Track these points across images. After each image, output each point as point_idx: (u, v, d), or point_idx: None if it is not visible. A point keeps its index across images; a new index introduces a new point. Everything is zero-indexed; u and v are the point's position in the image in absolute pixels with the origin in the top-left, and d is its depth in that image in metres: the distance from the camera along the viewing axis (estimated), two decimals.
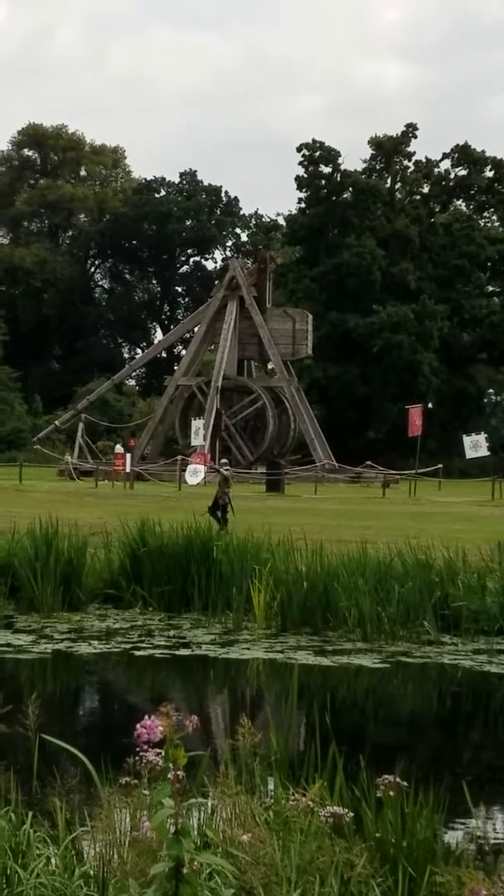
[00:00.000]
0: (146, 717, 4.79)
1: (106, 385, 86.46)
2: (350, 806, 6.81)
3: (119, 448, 69.88)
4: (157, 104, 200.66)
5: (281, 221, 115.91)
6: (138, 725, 4.80)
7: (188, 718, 4.87)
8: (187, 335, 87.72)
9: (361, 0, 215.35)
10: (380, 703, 15.12)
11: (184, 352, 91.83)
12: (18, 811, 6.87)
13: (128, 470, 62.78)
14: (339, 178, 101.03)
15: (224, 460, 41.97)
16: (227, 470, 32.96)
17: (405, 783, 6.85)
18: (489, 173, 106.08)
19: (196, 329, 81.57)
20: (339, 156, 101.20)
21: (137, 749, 5.93)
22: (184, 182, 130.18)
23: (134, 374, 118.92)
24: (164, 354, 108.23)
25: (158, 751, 5.73)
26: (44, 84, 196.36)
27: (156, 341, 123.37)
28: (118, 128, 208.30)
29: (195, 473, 60.34)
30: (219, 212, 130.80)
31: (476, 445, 59.84)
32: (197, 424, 68.48)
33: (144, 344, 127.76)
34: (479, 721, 15.27)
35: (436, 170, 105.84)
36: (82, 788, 7.63)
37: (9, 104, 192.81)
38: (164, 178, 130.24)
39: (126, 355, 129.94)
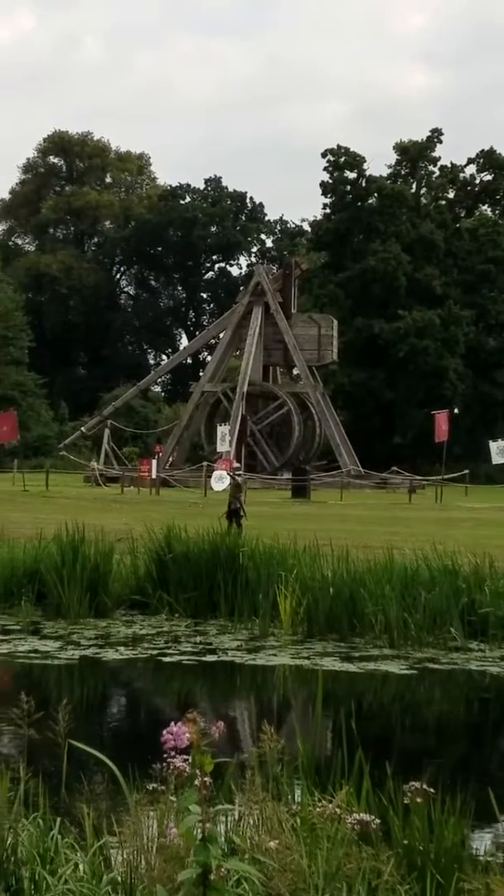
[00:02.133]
0: (173, 723, 4.80)
1: (132, 391, 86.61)
2: (377, 813, 6.80)
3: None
4: (182, 111, 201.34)
5: (306, 227, 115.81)
6: (165, 732, 4.82)
7: (214, 725, 4.89)
8: (212, 341, 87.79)
9: (384, 6, 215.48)
10: (406, 710, 15.10)
11: (209, 358, 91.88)
12: (47, 817, 6.89)
13: (153, 476, 62.87)
14: (364, 184, 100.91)
15: (237, 465, 41.97)
16: (239, 476, 33.08)
17: (432, 790, 6.84)
18: None
19: (221, 335, 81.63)
20: (364, 161, 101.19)
21: (164, 755, 5.95)
22: (209, 188, 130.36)
23: (159, 380, 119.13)
24: (189, 361, 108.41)
25: (185, 757, 5.75)
26: (70, 92, 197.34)
27: (181, 347, 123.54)
28: (143, 135, 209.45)
29: (221, 479, 60.25)
30: (244, 218, 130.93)
31: (503, 451, 59.69)
32: (223, 430, 68.52)
33: (170, 350, 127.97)
34: None
35: (461, 175, 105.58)
36: (110, 794, 7.65)
37: (35, 112, 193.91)
38: (189, 185, 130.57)
39: (151, 362, 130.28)
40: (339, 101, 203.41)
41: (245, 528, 27.79)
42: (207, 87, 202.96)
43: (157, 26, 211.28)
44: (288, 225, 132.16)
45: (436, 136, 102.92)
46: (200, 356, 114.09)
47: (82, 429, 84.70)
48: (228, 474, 34.39)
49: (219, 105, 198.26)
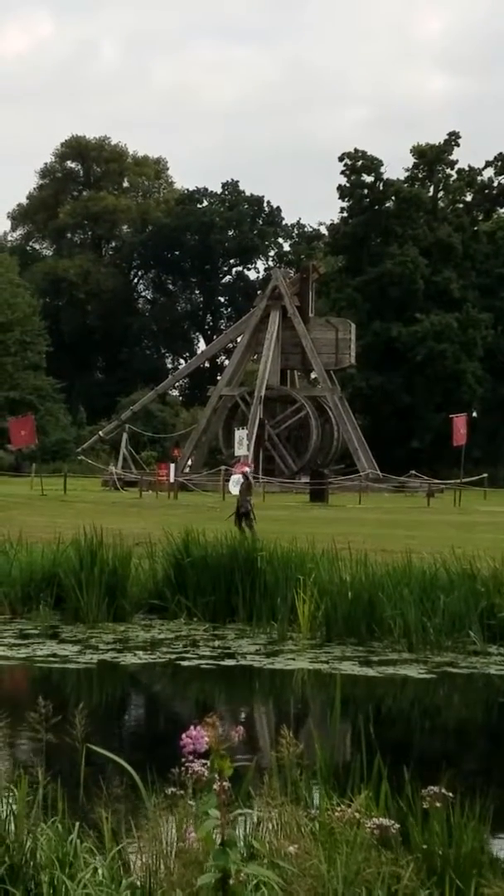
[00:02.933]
0: (192, 727, 4.79)
1: (149, 395, 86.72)
2: (396, 817, 6.78)
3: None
4: (199, 116, 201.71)
5: (323, 231, 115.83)
6: (184, 735, 4.81)
7: (234, 729, 4.88)
8: (230, 345, 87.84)
9: (403, 11, 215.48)
10: (425, 714, 15.06)
11: (227, 362, 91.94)
12: (65, 821, 6.89)
13: (171, 480, 62.91)
14: (381, 187, 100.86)
15: (246, 468, 42.00)
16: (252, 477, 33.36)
17: (451, 794, 6.81)
18: None
19: (239, 339, 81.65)
20: (382, 165, 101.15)
21: (183, 759, 5.94)
22: (226, 192, 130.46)
23: (177, 384, 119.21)
24: (206, 365, 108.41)
25: (204, 761, 5.74)
26: (88, 98, 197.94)
27: (199, 352, 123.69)
28: (161, 140, 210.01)
29: (238, 483, 60.32)
30: (261, 222, 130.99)
31: None
32: (240, 434, 68.55)
33: (187, 354, 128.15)
34: None
35: (479, 178, 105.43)
36: (128, 799, 7.64)
37: (53, 118, 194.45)
38: (206, 189, 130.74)
39: (169, 366, 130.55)
40: (357, 106, 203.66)
41: (263, 533, 27.79)
42: (225, 92, 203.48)
43: (175, 32, 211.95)
44: (305, 229, 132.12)
45: (453, 139, 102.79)
46: (218, 360, 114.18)
47: (100, 433, 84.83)
48: (242, 475, 34.48)
49: (236, 110, 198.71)
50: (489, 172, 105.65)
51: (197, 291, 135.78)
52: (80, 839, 6.67)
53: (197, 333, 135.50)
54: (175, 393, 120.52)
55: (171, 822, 6.53)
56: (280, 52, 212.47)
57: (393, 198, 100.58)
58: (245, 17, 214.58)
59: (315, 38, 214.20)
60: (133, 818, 7.18)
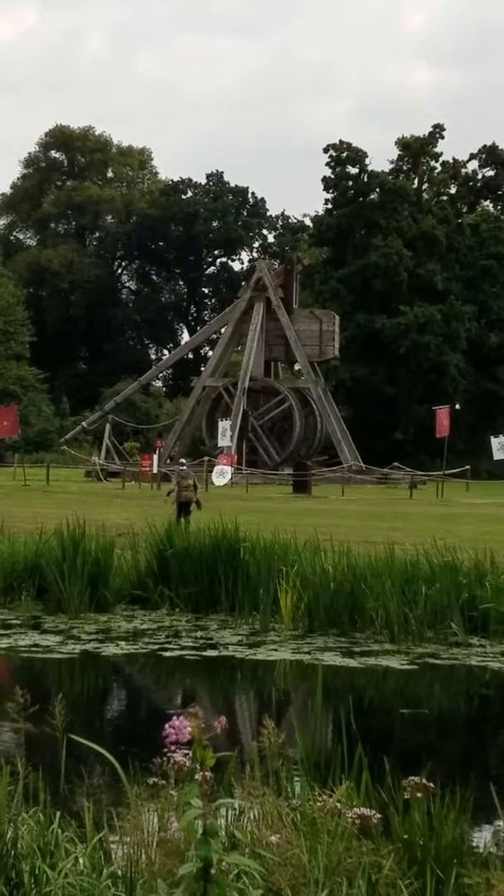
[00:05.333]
0: (175, 717, 4.80)
1: (133, 386, 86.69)
2: (377, 807, 6.80)
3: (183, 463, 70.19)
4: (185, 107, 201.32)
5: (308, 222, 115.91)
6: (167, 726, 4.81)
7: (216, 719, 4.88)
8: (214, 336, 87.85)
9: (388, 4, 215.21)
10: (407, 705, 15.09)
11: (210, 353, 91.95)
12: (46, 811, 6.89)
13: (154, 471, 62.88)
14: (365, 179, 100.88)
15: (182, 460, 42.35)
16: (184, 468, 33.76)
17: (432, 785, 6.83)
18: None
19: (223, 330, 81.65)
20: (366, 157, 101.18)
21: (165, 749, 5.95)
22: (210, 183, 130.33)
23: (161, 375, 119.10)
24: (190, 356, 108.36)
25: (186, 751, 5.74)
26: (73, 88, 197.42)
27: (183, 342, 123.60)
28: (145, 130, 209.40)
29: (222, 474, 60.43)
30: (245, 213, 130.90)
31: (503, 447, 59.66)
32: (224, 425, 68.55)
33: (171, 345, 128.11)
34: None
35: (463, 170, 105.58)
36: (110, 789, 7.65)
37: (38, 107, 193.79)
38: (190, 180, 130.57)
39: (153, 357, 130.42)
40: (342, 98, 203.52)
41: (245, 524, 27.80)
42: (211, 83, 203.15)
43: (161, 23, 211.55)
44: (289, 220, 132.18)
45: (437, 131, 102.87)
46: (202, 351, 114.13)
47: (83, 423, 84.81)
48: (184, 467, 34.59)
49: (221, 101, 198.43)
50: (473, 165, 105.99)
51: (181, 282, 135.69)
52: (61, 829, 6.66)
53: (181, 324, 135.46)
54: (158, 384, 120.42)
55: (152, 812, 6.53)
56: (265, 44, 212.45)
57: (377, 190, 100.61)
58: (231, 8, 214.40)
59: (300, 31, 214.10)
60: (115, 808, 7.19)
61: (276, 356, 79.20)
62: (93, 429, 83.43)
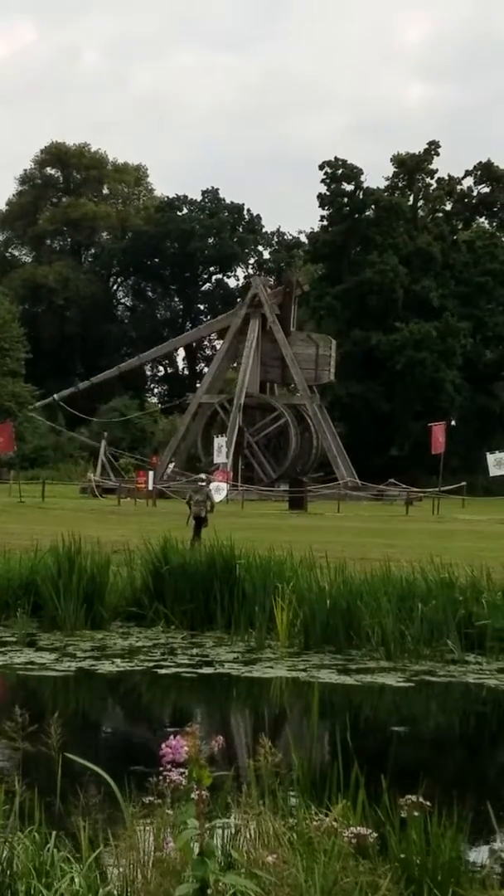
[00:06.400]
0: (171, 736, 4.78)
1: (111, 371, 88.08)
2: (374, 826, 6.77)
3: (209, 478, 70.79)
4: (180, 123, 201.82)
5: (303, 239, 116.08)
6: (164, 745, 4.80)
7: (214, 739, 4.87)
8: (209, 352, 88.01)
9: (383, 19, 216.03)
10: (403, 723, 15.06)
11: (206, 370, 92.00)
12: (42, 830, 6.86)
13: (150, 487, 62.85)
14: (361, 196, 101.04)
15: (202, 475, 42.49)
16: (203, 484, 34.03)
17: (429, 803, 6.81)
18: None
19: (218, 346, 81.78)
20: (362, 173, 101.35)
21: (161, 768, 5.93)
22: (206, 200, 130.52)
23: (156, 391, 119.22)
24: (186, 372, 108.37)
25: (182, 770, 5.72)
26: (68, 104, 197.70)
27: (178, 360, 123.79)
28: (141, 146, 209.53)
29: (218, 491, 60.32)
30: (241, 229, 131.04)
31: (500, 463, 59.71)
32: (220, 442, 68.55)
33: (167, 362, 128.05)
34: (503, 740, 15.19)
35: (458, 187, 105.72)
36: (106, 808, 7.61)
37: (34, 124, 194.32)
38: (186, 196, 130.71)
39: (148, 373, 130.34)
40: (337, 114, 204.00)
41: (241, 541, 27.80)
42: (206, 99, 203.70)
43: (156, 39, 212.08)
44: (285, 237, 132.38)
45: (433, 148, 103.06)
46: (197, 368, 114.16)
47: (55, 396, 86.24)
48: (206, 481, 34.82)
49: (216, 117, 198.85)
50: (469, 182, 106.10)
51: (176, 299, 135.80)
52: (57, 848, 6.64)
53: None
54: (154, 400, 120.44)
55: (148, 832, 6.51)
56: (260, 60, 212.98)
57: (373, 206, 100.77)
58: (226, 24, 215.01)
59: (295, 46, 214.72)
60: (111, 827, 7.16)
61: (272, 378, 79.19)
62: (61, 398, 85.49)
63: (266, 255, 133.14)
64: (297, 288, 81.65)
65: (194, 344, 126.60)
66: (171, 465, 77.22)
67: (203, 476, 39.98)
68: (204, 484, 34.39)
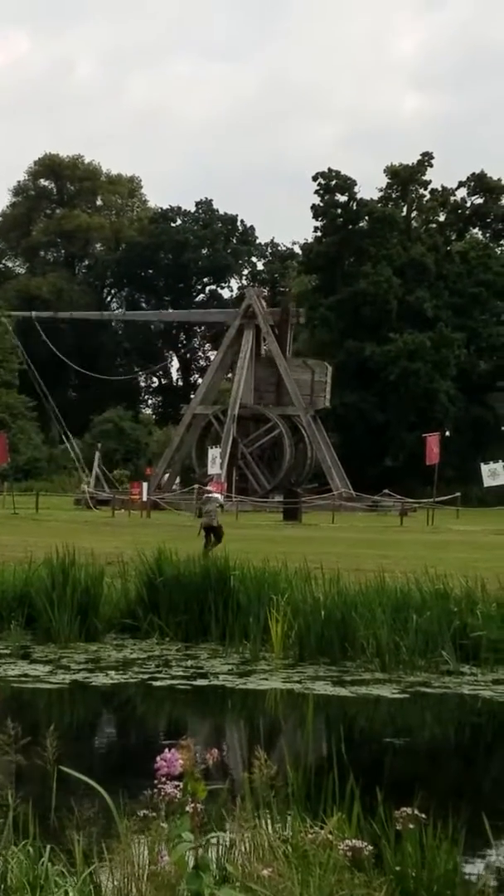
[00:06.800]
0: (166, 749, 4.77)
1: (93, 313, 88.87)
2: (369, 839, 6.75)
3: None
4: (174, 134, 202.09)
5: (297, 250, 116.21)
6: (159, 758, 4.78)
7: (209, 752, 4.85)
8: (199, 358, 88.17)
9: (377, 30, 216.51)
10: (399, 734, 15.03)
11: (200, 381, 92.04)
12: (36, 844, 6.83)
13: (144, 499, 62.80)
14: (354, 207, 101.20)
15: (210, 487, 42.71)
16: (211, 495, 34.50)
17: (424, 815, 6.79)
18: None
19: (212, 356, 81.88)
20: (355, 184, 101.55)
21: (155, 781, 5.91)
22: (199, 211, 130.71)
23: (150, 401, 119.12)
24: (180, 383, 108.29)
25: (177, 783, 5.70)
26: (63, 115, 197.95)
27: (172, 370, 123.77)
28: (134, 158, 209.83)
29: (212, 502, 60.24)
30: (234, 241, 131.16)
31: (494, 474, 59.70)
32: (213, 453, 68.54)
33: (161, 373, 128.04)
34: (499, 752, 15.17)
35: (452, 198, 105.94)
36: (100, 821, 7.58)
37: (28, 135, 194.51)
38: (179, 208, 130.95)
39: (143, 384, 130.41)
40: (331, 125, 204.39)
41: (236, 552, 27.82)
42: (200, 110, 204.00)
43: (150, 50, 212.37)
44: (279, 248, 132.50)
45: (426, 159, 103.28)
46: (191, 379, 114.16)
47: (32, 313, 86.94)
48: (212, 493, 35.12)
49: (209, 128, 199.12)
50: (462, 193, 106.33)
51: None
52: (51, 862, 6.61)
53: (170, 352, 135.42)
54: (149, 411, 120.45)
55: (143, 845, 6.48)
56: (254, 71, 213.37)
57: (366, 217, 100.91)
58: (220, 35, 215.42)
59: (290, 58, 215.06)
60: (105, 841, 7.13)
61: (267, 402, 79.15)
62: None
63: (260, 266, 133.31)
64: (293, 317, 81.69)
65: (188, 355, 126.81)
66: (167, 476, 77.18)
67: (211, 488, 40.26)
68: (213, 495, 34.72)
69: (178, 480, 76.26)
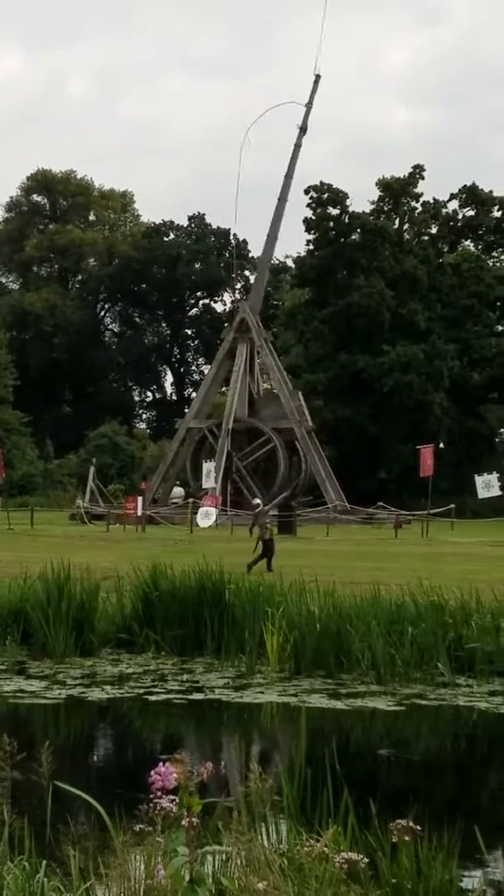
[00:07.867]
0: (160, 763, 4.78)
1: None
2: (365, 851, 6.76)
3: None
4: (166, 149, 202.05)
5: (290, 263, 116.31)
6: (153, 772, 4.79)
7: (203, 765, 4.86)
8: (194, 372, 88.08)
9: (369, 45, 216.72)
10: (394, 746, 15.04)
11: (194, 395, 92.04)
12: (32, 860, 6.84)
13: (139, 513, 62.75)
14: (347, 220, 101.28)
15: (257, 500, 43.07)
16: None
17: (420, 828, 6.80)
18: (497, 213, 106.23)
19: (206, 371, 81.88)
20: (347, 197, 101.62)
21: (151, 795, 5.92)
22: (192, 225, 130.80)
23: (145, 416, 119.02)
24: (174, 397, 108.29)
25: (172, 797, 5.71)
26: (56, 131, 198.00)
27: (167, 385, 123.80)
28: (127, 173, 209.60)
29: (207, 516, 60.39)
30: (227, 254, 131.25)
31: (488, 485, 59.77)
32: (208, 467, 68.49)
33: (154, 387, 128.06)
34: (495, 764, 15.18)
35: (443, 210, 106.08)
36: (96, 836, 7.59)
37: (21, 151, 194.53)
38: (172, 222, 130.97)
39: (136, 399, 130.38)
40: (322, 139, 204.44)
41: (230, 566, 27.85)
42: (192, 125, 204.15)
43: (141, 66, 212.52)
44: (272, 261, 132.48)
45: (418, 172, 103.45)
46: (185, 393, 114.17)
47: None
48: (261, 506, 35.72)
49: (201, 142, 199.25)
50: (454, 205, 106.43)
51: (164, 324, 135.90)
52: (47, 878, 6.61)
53: (164, 366, 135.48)
54: (143, 426, 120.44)
55: (139, 860, 6.49)
56: (247, 86, 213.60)
57: (359, 230, 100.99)
58: (212, 50, 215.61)
59: (283, 72, 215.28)
60: (101, 856, 7.14)
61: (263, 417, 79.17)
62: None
63: (253, 279, 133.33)
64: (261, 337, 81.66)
65: (182, 369, 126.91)
66: (161, 488, 77.15)
67: (258, 501, 40.56)
68: (260, 507, 35.31)
69: (181, 493, 76.12)
